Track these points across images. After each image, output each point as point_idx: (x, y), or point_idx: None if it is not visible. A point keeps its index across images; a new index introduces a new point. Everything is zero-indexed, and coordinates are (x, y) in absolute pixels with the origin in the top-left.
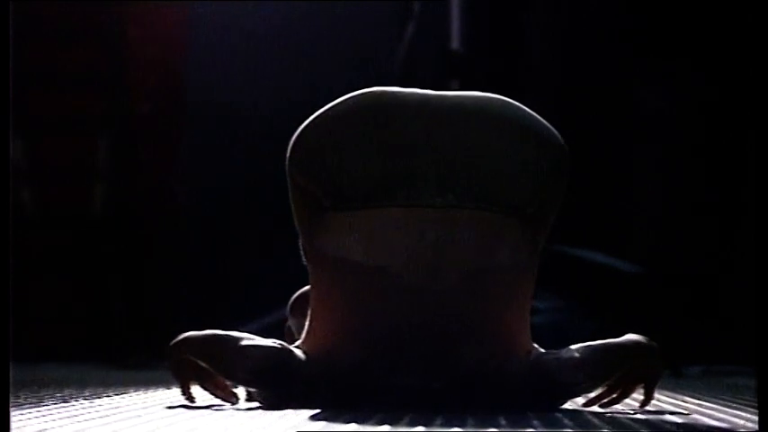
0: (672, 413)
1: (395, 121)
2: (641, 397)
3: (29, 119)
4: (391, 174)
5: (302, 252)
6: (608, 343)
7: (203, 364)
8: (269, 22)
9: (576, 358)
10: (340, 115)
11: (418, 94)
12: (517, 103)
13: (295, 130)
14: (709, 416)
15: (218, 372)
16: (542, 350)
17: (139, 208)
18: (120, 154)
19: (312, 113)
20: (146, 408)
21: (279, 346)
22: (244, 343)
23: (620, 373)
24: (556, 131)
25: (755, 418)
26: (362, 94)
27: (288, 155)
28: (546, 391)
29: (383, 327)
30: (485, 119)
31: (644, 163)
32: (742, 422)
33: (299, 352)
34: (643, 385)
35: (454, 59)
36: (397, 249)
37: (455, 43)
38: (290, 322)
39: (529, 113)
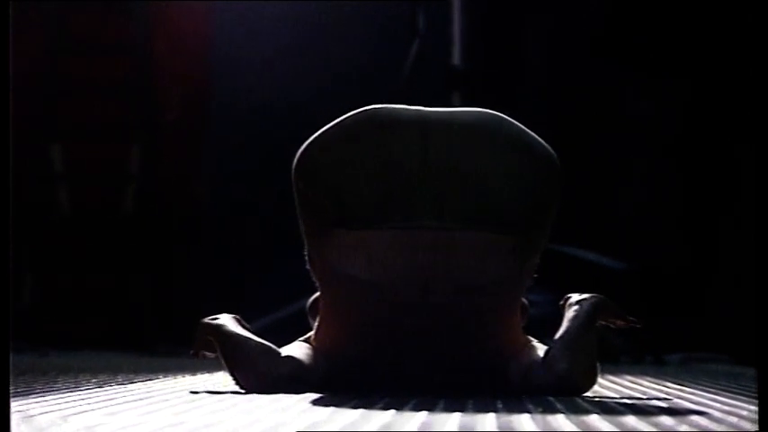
0: (656, 398)
1: (392, 141)
2: (630, 384)
3: (66, 127)
4: (389, 198)
5: (307, 260)
6: (577, 321)
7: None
8: (290, 37)
9: (561, 357)
10: (341, 133)
11: (415, 112)
12: (511, 120)
13: (309, 137)
14: (689, 400)
15: (229, 370)
16: (536, 342)
17: (166, 207)
18: (149, 158)
19: (326, 121)
20: (173, 392)
21: (288, 359)
22: (258, 354)
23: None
24: (549, 147)
25: (731, 401)
26: (362, 112)
27: (293, 169)
28: (544, 381)
29: (381, 333)
30: (480, 138)
31: (630, 168)
32: (718, 405)
33: (307, 350)
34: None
35: (455, 74)
36: (393, 268)
37: (456, 59)
38: (310, 320)
39: (523, 130)
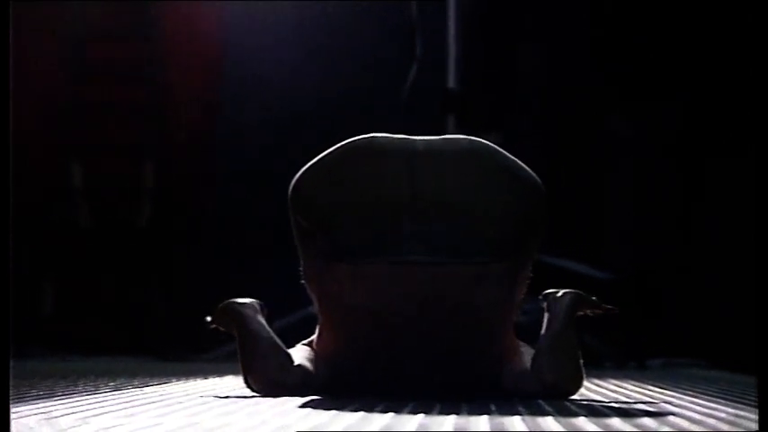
0: (639, 401)
1: (381, 174)
2: (614, 388)
3: (85, 146)
4: (380, 233)
5: (303, 278)
6: (559, 319)
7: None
8: (295, 60)
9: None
10: (333, 164)
11: (403, 143)
12: (497, 149)
13: (316, 156)
14: (670, 402)
15: (242, 366)
16: (526, 348)
17: (178, 220)
18: (162, 174)
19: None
20: (186, 395)
21: (299, 368)
22: (271, 360)
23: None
24: (534, 175)
25: (709, 404)
26: (350, 143)
27: (289, 197)
28: (534, 389)
29: (378, 350)
30: (468, 170)
31: (615, 185)
32: (697, 407)
33: (311, 356)
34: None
35: (451, 96)
36: (386, 298)
37: (452, 83)
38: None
39: (510, 159)
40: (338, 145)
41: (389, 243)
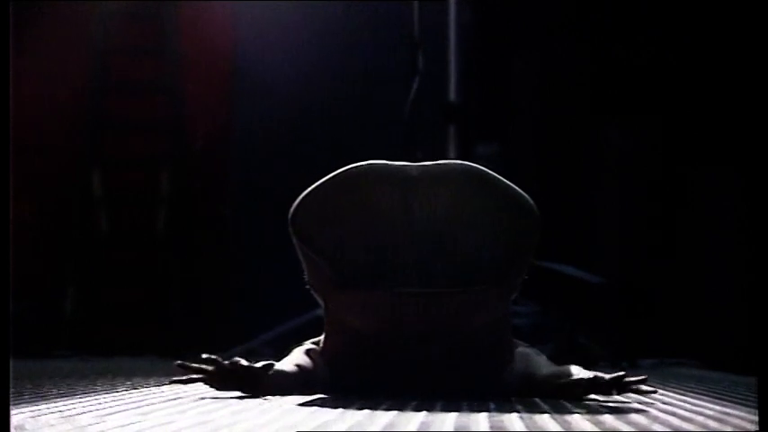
0: (632, 400)
1: (377, 203)
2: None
3: (105, 156)
4: (377, 265)
5: (307, 283)
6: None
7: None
8: (302, 75)
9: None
10: (330, 193)
11: (401, 171)
12: (495, 176)
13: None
14: (662, 401)
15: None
16: (522, 348)
17: (194, 227)
18: (178, 184)
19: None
20: (199, 394)
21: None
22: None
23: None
24: (530, 200)
25: (699, 402)
26: (350, 171)
27: (289, 221)
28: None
29: (378, 366)
30: (464, 196)
31: (607, 194)
32: (687, 405)
33: (314, 358)
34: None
35: (451, 109)
36: (386, 327)
37: (452, 96)
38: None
39: (507, 185)
40: (335, 173)
41: (387, 274)
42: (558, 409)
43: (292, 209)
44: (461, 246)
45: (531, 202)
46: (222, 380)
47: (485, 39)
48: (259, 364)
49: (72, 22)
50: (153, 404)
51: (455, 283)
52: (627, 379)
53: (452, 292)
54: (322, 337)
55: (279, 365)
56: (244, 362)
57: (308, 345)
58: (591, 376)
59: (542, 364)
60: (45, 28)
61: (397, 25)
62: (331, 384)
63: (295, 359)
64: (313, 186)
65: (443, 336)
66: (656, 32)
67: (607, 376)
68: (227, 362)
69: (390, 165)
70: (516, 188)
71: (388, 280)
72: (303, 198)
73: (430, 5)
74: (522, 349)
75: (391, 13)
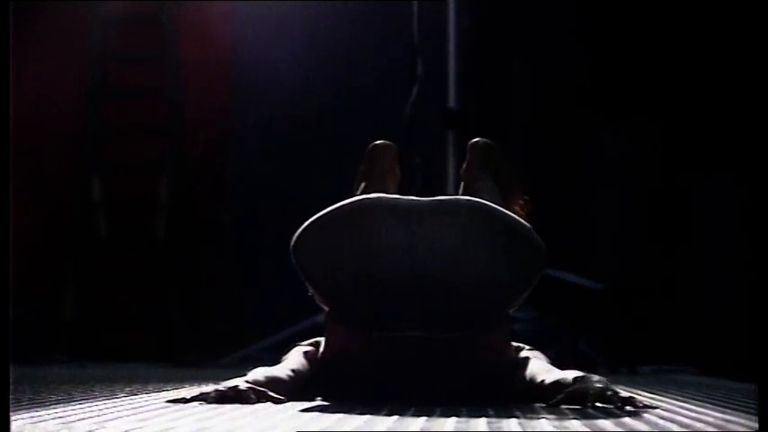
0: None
1: (381, 242)
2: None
3: (105, 162)
4: (377, 306)
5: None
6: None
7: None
8: (307, 88)
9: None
10: (332, 229)
11: (403, 209)
12: (498, 210)
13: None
14: (660, 407)
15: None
16: (526, 352)
17: (193, 233)
18: (177, 189)
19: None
20: (199, 401)
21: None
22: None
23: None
24: (534, 233)
25: (697, 408)
26: (354, 204)
27: (291, 250)
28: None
29: (382, 375)
30: (468, 236)
31: (606, 200)
32: (686, 412)
33: (310, 363)
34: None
35: (450, 114)
36: (381, 364)
37: (451, 102)
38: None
39: (512, 220)
40: (336, 206)
41: (385, 316)
42: (555, 414)
43: (294, 238)
44: (465, 288)
45: (537, 237)
46: (218, 400)
47: (484, 43)
48: (253, 376)
49: (72, 27)
50: (152, 410)
51: (456, 325)
52: (639, 401)
53: (451, 337)
54: (322, 340)
55: (276, 371)
56: (241, 386)
57: (306, 347)
58: (602, 387)
59: (546, 369)
60: (45, 34)
61: (397, 28)
62: (327, 391)
63: (292, 364)
64: (316, 217)
65: (444, 367)
66: (655, 36)
67: (623, 393)
68: (221, 388)
69: (391, 199)
70: (522, 222)
71: (386, 320)
72: (305, 230)
73: (429, 7)
74: (526, 353)
75: (391, 15)
